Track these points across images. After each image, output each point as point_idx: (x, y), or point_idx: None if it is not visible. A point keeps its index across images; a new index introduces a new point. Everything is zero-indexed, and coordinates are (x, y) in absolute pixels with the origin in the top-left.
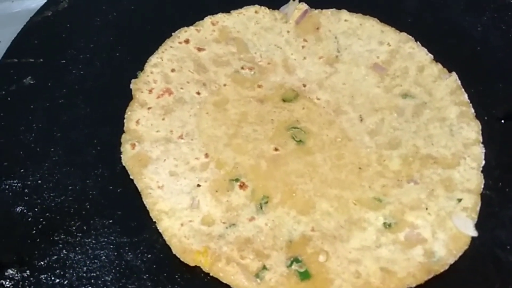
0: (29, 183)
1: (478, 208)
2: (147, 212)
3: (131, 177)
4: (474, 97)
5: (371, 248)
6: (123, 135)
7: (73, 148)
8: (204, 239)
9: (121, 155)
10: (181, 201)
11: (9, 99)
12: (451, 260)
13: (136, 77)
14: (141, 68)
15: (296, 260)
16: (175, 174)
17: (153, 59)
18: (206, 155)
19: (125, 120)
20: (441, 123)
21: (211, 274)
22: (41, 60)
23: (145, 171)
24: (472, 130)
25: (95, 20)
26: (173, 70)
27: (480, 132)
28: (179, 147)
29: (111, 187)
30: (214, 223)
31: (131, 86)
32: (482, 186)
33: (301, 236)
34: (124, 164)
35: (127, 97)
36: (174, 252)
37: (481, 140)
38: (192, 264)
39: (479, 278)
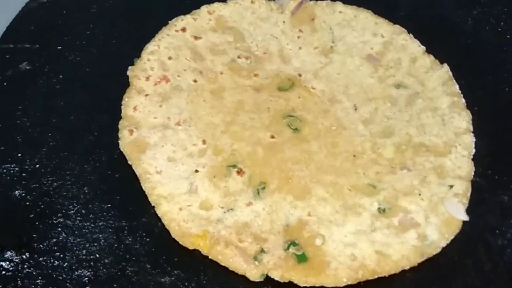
0: (26, 167)
1: (469, 194)
2: (146, 196)
3: (129, 162)
4: (465, 88)
5: (366, 232)
6: (121, 121)
7: (71, 134)
8: (203, 223)
9: (119, 141)
10: (179, 186)
11: (5, 84)
12: (444, 244)
13: (133, 64)
14: (138, 56)
15: (293, 243)
16: (173, 160)
17: (150, 46)
18: (204, 142)
19: (122, 107)
20: (433, 112)
21: (210, 257)
22: (37, 46)
23: (143, 156)
24: (463, 120)
25: (91, 7)
26: (170, 58)
27: (471, 122)
28: (176, 133)
29: (109, 172)
30: (212, 207)
31: (128, 73)
32: (473, 174)
33: (297, 221)
34: (122, 150)
35: (124, 83)
36: (173, 236)
37: (472, 130)
38: (191, 247)
39: (470, 260)
